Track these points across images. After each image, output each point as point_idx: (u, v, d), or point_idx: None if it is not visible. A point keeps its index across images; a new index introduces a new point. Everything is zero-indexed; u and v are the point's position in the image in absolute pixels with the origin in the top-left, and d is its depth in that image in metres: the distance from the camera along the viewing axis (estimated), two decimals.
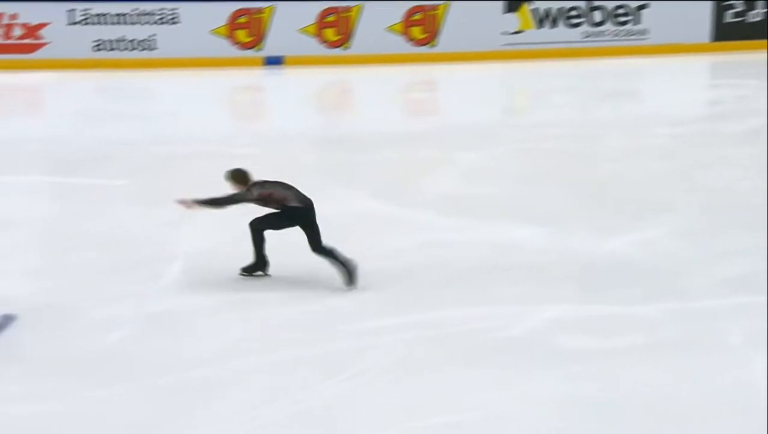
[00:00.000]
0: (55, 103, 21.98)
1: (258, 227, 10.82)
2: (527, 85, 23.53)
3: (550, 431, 8.21)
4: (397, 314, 10.20)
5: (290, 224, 10.74)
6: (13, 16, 23.64)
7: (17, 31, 23.72)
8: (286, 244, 10.91)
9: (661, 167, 15.78)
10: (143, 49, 23.92)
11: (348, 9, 24.31)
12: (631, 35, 25.11)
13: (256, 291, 10.70)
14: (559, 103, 21.23)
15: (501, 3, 24.66)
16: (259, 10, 24.12)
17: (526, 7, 24.76)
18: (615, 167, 15.75)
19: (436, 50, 24.57)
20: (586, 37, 25.06)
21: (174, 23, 23.85)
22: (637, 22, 25.12)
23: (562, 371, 9.09)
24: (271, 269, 11.01)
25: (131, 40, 23.90)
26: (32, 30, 23.65)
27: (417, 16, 24.50)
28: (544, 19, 24.90)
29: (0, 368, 9.23)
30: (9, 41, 23.70)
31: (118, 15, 23.81)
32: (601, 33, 25.09)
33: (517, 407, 8.53)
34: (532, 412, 8.45)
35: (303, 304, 10.45)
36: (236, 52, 24.09)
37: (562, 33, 24.95)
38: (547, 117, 19.89)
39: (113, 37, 23.87)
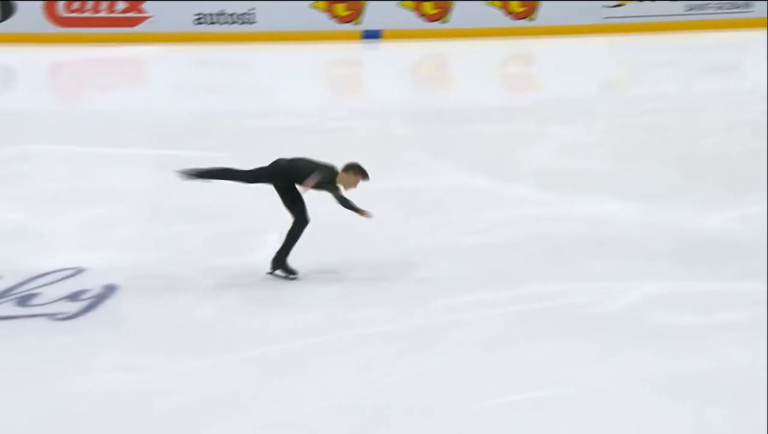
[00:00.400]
0: (156, 76, 22.27)
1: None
2: (627, 59, 23.28)
3: (645, 408, 8.15)
4: (491, 288, 10.18)
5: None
6: None
7: (121, 5, 24.05)
8: (380, 221, 10.92)
9: (762, 142, 15.52)
10: (243, 23, 24.12)
11: None
12: (736, 8, 24.69)
13: (350, 266, 10.75)
14: (659, 78, 20.98)
15: None
16: None
17: None
18: (715, 142, 15.54)
19: (534, 24, 24.41)
20: (689, 10, 24.70)
21: None
22: None
23: (658, 347, 9.00)
24: (364, 245, 11.04)
25: (231, 14, 24.10)
26: (135, 4, 23.97)
27: None
28: None
29: (100, 338, 9.41)
30: (113, 15, 24.05)
31: None
32: (705, 6, 24.71)
33: (611, 384, 8.47)
34: (626, 389, 8.38)
35: (395, 278, 10.49)
36: (334, 26, 24.17)
37: (664, 6, 24.61)
38: (647, 91, 19.67)
39: (213, 11, 24.09)
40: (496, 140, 15.86)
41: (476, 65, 22.30)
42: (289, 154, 13.03)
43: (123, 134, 16.60)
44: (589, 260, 10.85)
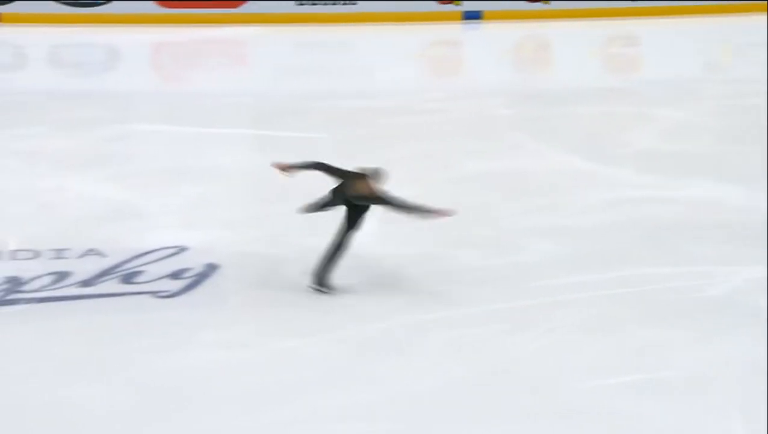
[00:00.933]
0: (257, 56, 22.42)
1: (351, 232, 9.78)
2: (732, 40, 22.89)
3: (748, 393, 8.06)
4: (591, 271, 10.16)
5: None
6: None
7: None
8: (479, 202, 10.93)
9: None
10: (344, 4, 24.16)
11: None
12: None
13: (449, 247, 10.76)
14: (764, 58, 20.59)
15: None
16: None
17: None
18: None
19: (637, 4, 24.12)
20: None
21: None
22: None
23: (761, 332, 8.89)
24: (463, 226, 11.04)
25: None
26: None
27: None
28: None
29: (201, 315, 9.53)
30: None
31: None
32: None
33: (713, 368, 8.39)
34: (728, 374, 8.31)
35: (494, 259, 10.50)
36: (435, 7, 24.09)
37: None
38: (752, 72, 19.31)
39: None
40: (597, 121, 15.73)
41: (578, 46, 22.09)
42: (388, 135, 13.11)
43: (224, 114, 16.73)
44: (691, 244, 10.74)
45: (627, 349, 8.73)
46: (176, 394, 8.20)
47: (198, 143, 14.90)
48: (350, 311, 9.51)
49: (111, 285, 10.03)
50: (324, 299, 9.71)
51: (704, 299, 9.61)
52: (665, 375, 8.33)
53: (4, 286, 9.96)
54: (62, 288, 9.95)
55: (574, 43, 22.45)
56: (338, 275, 9.95)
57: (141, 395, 8.16)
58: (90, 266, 10.33)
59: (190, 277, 10.17)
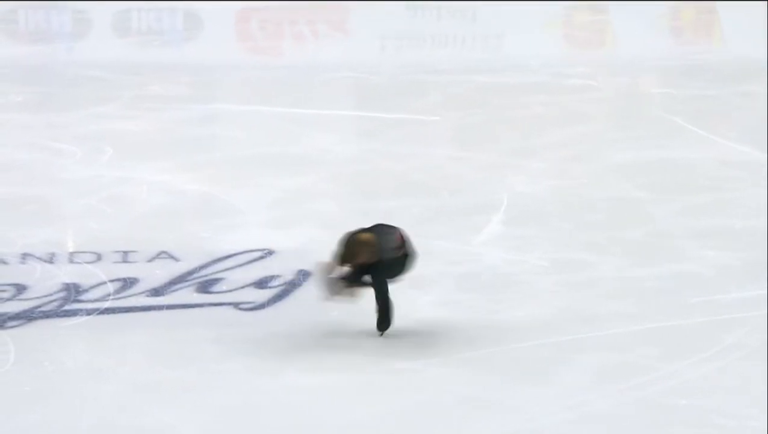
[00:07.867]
0: (361, 24, 22.46)
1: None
2: None
3: None
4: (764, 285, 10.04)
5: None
6: None
7: None
8: (629, 200, 10.80)
9: None
10: None
11: None
12: None
13: (590, 252, 10.73)
14: None
15: None
16: None
17: None
18: None
19: None
20: None
21: None
22: None
23: None
24: (607, 227, 10.93)
25: None
26: None
27: None
28: None
29: (293, 331, 9.47)
30: None
31: None
32: None
33: None
34: None
35: (646, 269, 10.41)
36: None
37: None
38: None
39: None
40: None
41: (749, 11, 21.82)
42: (518, 119, 12.95)
43: (323, 92, 16.80)
44: None
45: None
46: (263, 428, 8.16)
47: (291, 126, 14.99)
48: (475, 330, 9.44)
49: (185, 295, 10.07)
50: (445, 316, 9.64)
51: None
52: None
53: (61, 295, 10.05)
54: (128, 298, 10.00)
55: (744, 7, 22.19)
56: (462, 287, 9.86)
57: (224, 425, 8.14)
58: (161, 272, 10.39)
59: (279, 286, 10.16)
